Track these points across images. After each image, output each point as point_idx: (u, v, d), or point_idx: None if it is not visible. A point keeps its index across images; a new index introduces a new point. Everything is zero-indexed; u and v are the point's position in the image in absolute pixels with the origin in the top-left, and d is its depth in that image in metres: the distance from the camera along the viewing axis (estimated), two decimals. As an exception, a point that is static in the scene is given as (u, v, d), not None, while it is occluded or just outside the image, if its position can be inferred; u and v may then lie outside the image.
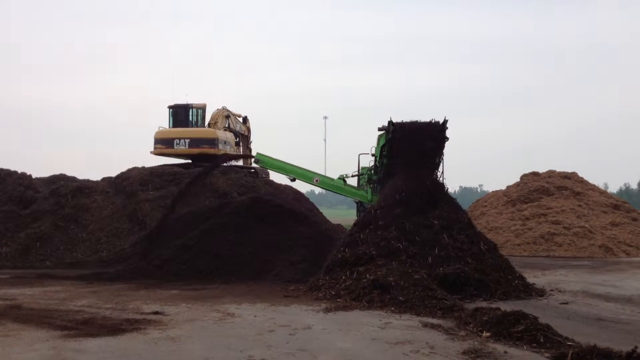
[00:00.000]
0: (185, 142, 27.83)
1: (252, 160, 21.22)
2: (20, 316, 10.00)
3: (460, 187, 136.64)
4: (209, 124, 28.85)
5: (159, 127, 28.56)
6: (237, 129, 31.08)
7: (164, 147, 28.09)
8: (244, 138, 32.11)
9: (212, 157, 26.73)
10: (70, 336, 8.42)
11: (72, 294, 13.09)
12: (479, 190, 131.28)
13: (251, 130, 33.31)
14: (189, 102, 29.07)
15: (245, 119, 32.71)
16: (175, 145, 27.96)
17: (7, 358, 7.08)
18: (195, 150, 27.71)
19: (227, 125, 29.75)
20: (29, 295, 12.85)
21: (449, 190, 16.67)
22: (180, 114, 28.89)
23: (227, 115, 29.70)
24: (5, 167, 26.57)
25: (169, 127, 28.75)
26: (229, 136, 29.26)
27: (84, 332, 8.68)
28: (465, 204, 29.87)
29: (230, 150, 28.43)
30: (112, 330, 8.87)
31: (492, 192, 36.76)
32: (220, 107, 29.80)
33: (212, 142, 27.63)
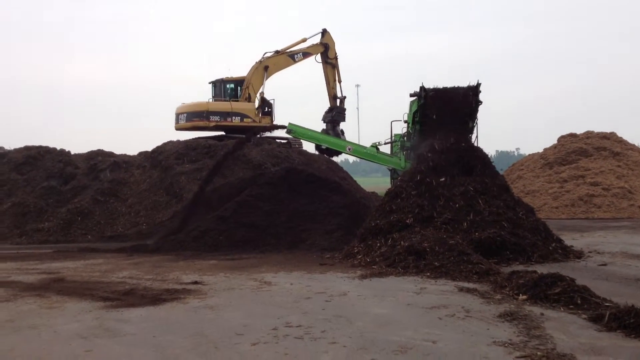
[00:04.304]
0: (184, 117, 28.19)
1: (285, 130, 21.10)
2: (64, 289, 10.25)
3: (497, 151, 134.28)
4: (243, 91, 28.33)
5: (182, 103, 28.71)
6: (296, 59, 28.78)
7: (176, 122, 28.57)
8: (323, 53, 28.98)
9: (202, 130, 27.77)
10: (113, 307, 8.62)
11: (114, 266, 13.39)
12: (515, 154, 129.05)
13: (333, 42, 29.35)
14: (227, 76, 29.02)
15: (323, 32, 28.95)
16: (179, 120, 28.34)
17: (52, 329, 7.31)
18: (189, 124, 27.95)
19: (263, 87, 28.46)
20: (71, 268, 13.18)
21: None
22: (218, 89, 29.01)
23: (266, 66, 28.20)
24: (44, 144, 27.29)
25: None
26: (245, 107, 28.12)
27: (126, 303, 8.88)
28: (501, 168, 29.50)
29: (247, 121, 27.70)
30: (153, 300, 9.06)
31: (529, 155, 36.25)
32: (257, 60, 28.36)
33: (201, 114, 27.51)
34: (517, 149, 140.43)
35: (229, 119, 27.73)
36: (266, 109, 28.83)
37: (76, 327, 7.35)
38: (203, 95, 29.48)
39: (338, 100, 29.11)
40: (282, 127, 21.20)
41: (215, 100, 28.57)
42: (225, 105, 28.00)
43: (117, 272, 12.44)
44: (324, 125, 28.61)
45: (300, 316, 7.73)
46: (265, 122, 28.06)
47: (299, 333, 6.85)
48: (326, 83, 29.24)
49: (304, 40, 28.87)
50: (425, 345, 6.29)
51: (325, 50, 28.88)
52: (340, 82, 29.32)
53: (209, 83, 29.38)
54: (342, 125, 29.00)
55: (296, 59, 28.84)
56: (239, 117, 27.86)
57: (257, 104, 28.42)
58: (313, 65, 29.09)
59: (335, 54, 29.16)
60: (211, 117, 27.40)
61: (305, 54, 28.93)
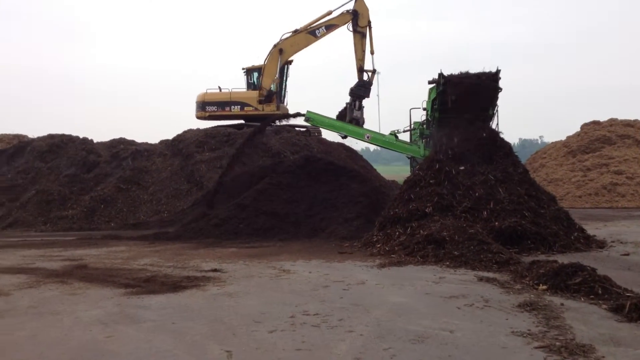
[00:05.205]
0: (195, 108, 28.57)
1: (303, 118, 20.96)
2: (86, 275, 10.39)
3: (520, 139, 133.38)
4: (260, 77, 27.67)
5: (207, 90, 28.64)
6: (318, 35, 26.42)
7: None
8: (353, 21, 25.75)
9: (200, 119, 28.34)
10: (134, 293, 8.72)
11: (135, 254, 13.55)
12: (539, 142, 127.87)
13: (366, 8, 25.96)
14: (254, 64, 28.81)
15: None
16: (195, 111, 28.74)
17: (74, 315, 7.41)
18: (195, 115, 28.42)
19: (280, 68, 27.35)
20: (94, 255, 13.35)
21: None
22: (247, 77, 28.94)
23: (280, 49, 26.79)
24: (67, 132, 27.66)
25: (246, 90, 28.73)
26: (246, 95, 27.75)
27: (147, 290, 8.96)
28: (525, 156, 29.15)
29: (248, 109, 27.41)
30: (173, 287, 9.14)
31: (552, 143, 35.84)
32: (274, 44, 26.94)
33: (199, 105, 27.99)
34: (541, 137, 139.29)
35: (227, 109, 27.72)
36: (274, 96, 27.76)
37: (97, 314, 7.45)
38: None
39: (366, 75, 25.63)
40: (290, 115, 20.98)
41: (250, 90, 28.25)
42: (223, 95, 28.00)
43: (139, 259, 12.58)
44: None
45: (317, 304, 7.75)
46: (269, 109, 27.25)
47: (316, 321, 6.86)
48: (355, 53, 26.08)
49: (329, 12, 26.32)
50: (443, 334, 6.27)
51: (355, 18, 25.76)
52: (372, 53, 25.92)
53: (242, 70, 29.25)
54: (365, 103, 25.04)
55: (318, 35, 26.62)
56: (239, 106, 27.66)
57: (273, 90, 27.42)
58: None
59: (368, 22, 25.96)
60: (207, 107, 27.77)
61: (330, 26, 26.43)
